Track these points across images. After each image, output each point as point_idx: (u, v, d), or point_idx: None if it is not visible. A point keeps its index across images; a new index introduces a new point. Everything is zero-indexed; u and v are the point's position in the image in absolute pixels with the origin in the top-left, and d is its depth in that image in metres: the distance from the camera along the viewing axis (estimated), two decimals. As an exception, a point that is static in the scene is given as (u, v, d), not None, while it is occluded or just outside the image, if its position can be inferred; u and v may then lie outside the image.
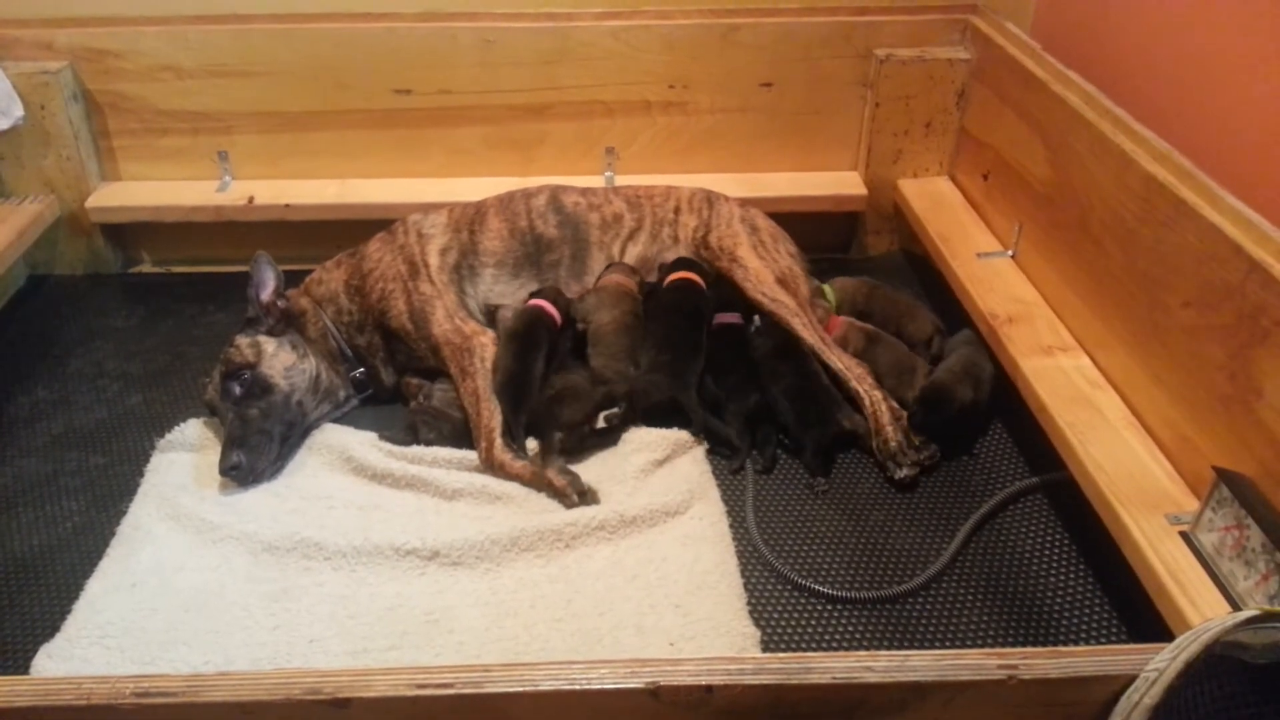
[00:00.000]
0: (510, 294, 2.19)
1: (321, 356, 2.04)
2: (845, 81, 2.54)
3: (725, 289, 2.18)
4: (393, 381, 2.13)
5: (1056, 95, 2.02)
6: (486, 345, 2.01)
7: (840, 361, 2.01)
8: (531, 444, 1.94)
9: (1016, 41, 2.28)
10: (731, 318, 2.12)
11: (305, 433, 1.98)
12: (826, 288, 2.25)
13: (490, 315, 2.17)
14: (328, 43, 2.44)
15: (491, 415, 1.91)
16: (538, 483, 1.83)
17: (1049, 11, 2.44)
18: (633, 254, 2.27)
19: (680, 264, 2.20)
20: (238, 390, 1.89)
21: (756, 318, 2.13)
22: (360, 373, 2.08)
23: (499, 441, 1.88)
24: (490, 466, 1.87)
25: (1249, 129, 1.73)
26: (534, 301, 2.10)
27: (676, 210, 2.32)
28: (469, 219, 2.22)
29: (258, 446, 1.84)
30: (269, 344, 1.97)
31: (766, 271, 2.17)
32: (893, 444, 1.88)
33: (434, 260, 2.13)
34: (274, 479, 1.87)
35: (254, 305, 2.01)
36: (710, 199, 2.34)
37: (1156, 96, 1.94)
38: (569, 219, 2.25)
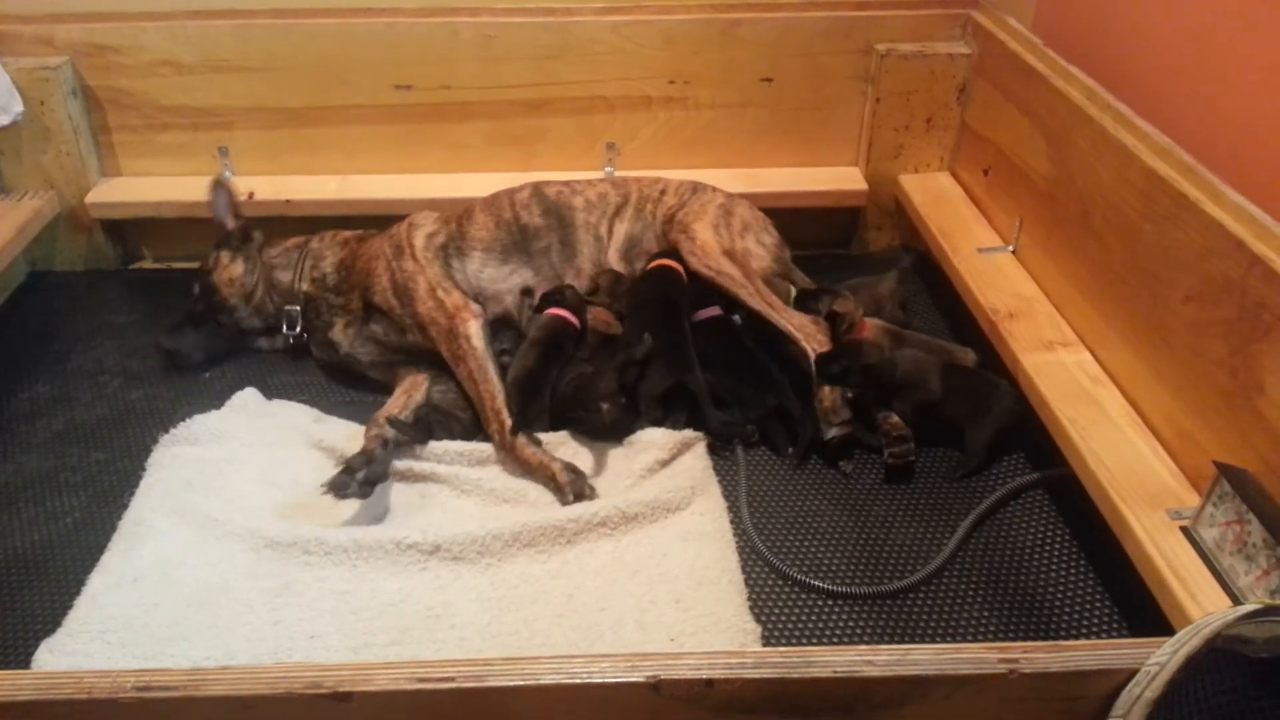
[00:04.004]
0: (501, 279, 2.19)
1: (267, 281, 2.24)
2: (846, 77, 2.54)
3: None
4: (337, 356, 2.18)
5: (1058, 90, 2.01)
6: (469, 321, 2.02)
7: (792, 322, 2.03)
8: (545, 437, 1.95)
9: (1018, 36, 2.28)
10: (712, 311, 2.10)
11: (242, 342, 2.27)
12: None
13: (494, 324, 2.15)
14: (328, 38, 2.44)
15: (494, 396, 1.93)
16: (543, 472, 1.84)
17: (1050, 6, 2.43)
18: (620, 233, 2.27)
19: (662, 252, 2.19)
20: (196, 289, 2.24)
21: (737, 316, 2.11)
22: (293, 309, 2.21)
23: (509, 422, 1.89)
24: (504, 448, 1.88)
25: (1251, 124, 1.73)
26: (555, 311, 2.08)
27: (662, 192, 2.32)
28: (458, 215, 2.26)
29: (184, 334, 2.21)
30: (225, 256, 2.26)
31: (714, 244, 2.16)
32: (826, 402, 1.90)
33: (420, 242, 2.17)
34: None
35: (217, 228, 2.30)
36: (696, 187, 2.34)
37: (1158, 91, 1.93)
38: (552, 206, 2.27)
